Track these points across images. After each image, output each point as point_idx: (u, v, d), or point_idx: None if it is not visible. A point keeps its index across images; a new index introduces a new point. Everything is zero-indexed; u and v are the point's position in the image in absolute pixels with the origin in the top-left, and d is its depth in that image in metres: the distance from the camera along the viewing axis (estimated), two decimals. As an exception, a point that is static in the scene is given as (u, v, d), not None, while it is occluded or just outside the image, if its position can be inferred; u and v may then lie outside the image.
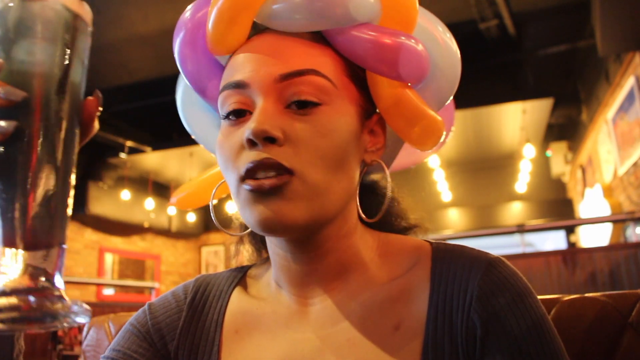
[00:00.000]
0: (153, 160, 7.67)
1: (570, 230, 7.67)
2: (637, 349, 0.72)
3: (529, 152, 6.42)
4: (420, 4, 0.63)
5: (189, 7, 0.64)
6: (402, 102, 0.61)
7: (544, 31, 5.50)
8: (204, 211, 9.47)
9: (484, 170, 8.45)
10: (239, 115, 0.58)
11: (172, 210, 8.29)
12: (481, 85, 5.63)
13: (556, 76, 6.41)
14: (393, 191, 0.70)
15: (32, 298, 0.41)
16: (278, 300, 0.65)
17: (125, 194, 7.38)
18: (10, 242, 0.42)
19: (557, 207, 8.11)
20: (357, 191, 0.63)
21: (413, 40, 0.59)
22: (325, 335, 0.60)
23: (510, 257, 3.42)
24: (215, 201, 0.72)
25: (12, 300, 0.40)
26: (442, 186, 7.84)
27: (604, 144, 5.57)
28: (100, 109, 0.51)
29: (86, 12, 0.49)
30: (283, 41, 0.59)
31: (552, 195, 8.38)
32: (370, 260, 0.64)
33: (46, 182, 0.43)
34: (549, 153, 7.82)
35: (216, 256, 9.66)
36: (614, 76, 4.88)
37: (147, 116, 6.77)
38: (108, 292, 7.85)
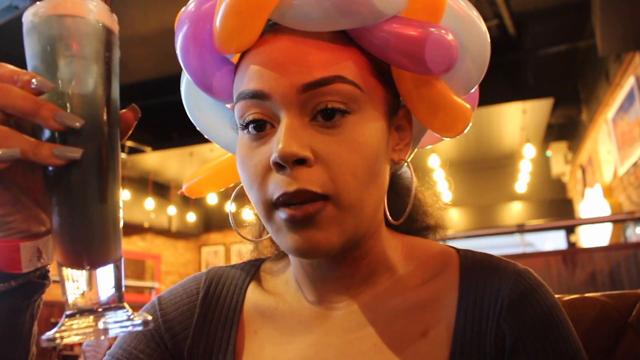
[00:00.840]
0: (153, 160, 7.66)
1: (570, 230, 7.66)
2: (637, 349, 0.72)
3: (529, 152, 6.42)
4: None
5: (192, 0, 0.59)
6: (428, 92, 0.57)
7: (544, 31, 5.50)
8: (204, 211, 9.47)
9: (484, 170, 8.44)
10: (259, 128, 0.55)
11: (172, 210, 8.29)
12: (481, 85, 5.61)
13: (556, 76, 6.41)
14: (415, 193, 0.69)
15: (103, 314, 0.43)
16: (298, 302, 0.63)
17: (125, 194, 7.38)
18: (77, 263, 0.43)
19: (557, 207, 8.11)
20: (385, 193, 0.61)
21: (442, 31, 0.54)
22: (350, 340, 0.59)
23: (510, 257, 3.41)
24: (231, 205, 0.69)
25: (87, 318, 0.42)
26: (442, 186, 7.83)
27: (604, 144, 5.57)
28: (136, 121, 0.49)
29: (116, 24, 0.47)
30: (303, 44, 0.53)
31: (552, 195, 8.38)
32: (397, 263, 0.62)
33: (107, 201, 0.44)
34: (549, 153, 7.81)
35: (216, 256, 9.65)
36: (614, 76, 4.88)
37: (147, 116, 6.74)
38: (108, 292, 7.83)
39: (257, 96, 0.53)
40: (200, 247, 9.80)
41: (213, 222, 9.60)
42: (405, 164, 0.62)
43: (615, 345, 0.73)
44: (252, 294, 0.66)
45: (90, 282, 0.43)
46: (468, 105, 0.60)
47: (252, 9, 0.52)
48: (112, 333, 0.42)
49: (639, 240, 4.42)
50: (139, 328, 0.43)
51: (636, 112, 4.36)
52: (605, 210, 5.40)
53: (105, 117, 0.44)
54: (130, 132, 0.48)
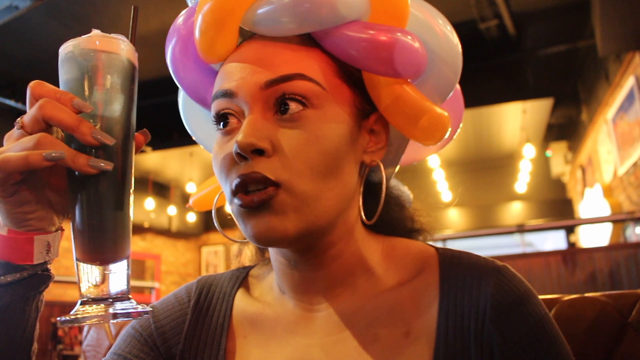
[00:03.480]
0: (153, 160, 7.66)
1: (570, 230, 7.66)
2: (637, 349, 0.72)
3: (529, 152, 6.42)
4: (421, 3, 0.62)
5: (181, 13, 0.63)
6: (402, 99, 0.59)
7: (544, 31, 5.50)
8: (204, 211, 9.46)
9: (484, 170, 8.44)
10: (226, 122, 0.59)
11: (172, 210, 8.29)
12: (481, 85, 5.62)
13: (556, 76, 6.41)
14: (399, 195, 0.71)
15: (113, 303, 0.50)
16: (282, 305, 0.65)
17: (125, 194, 7.36)
18: (93, 259, 0.50)
19: (557, 207, 8.10)
20: (360, 194, 0.63)
21: (407, 36, 0.56)
22: (333, 341, 0.60)
23: (510, 257, 3.42)
24: (215, 205, 0.72)
25: (99, 306, 0.49)
26: (442, 186, 7.83)
27: (604, 144, 5.57)
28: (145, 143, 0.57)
29: (137, 60, 0.55)
30: (270, 47, 0.58)
31: (552, 195, 8.38)
32: (376, 264, 0.63)
33: (123, 208, 0.51)
34: (549, 153, 7.82)
35: (216, 256, 9.66)
36: (614, 76, 4.88)
37: (147, 116, 6.77)
38: (108, 292, 7.82)
39: (226, 95, 0.58)
40: (200, 247, 9.80)
41: (213, 222, 9.57)
42: (378, 165, 0.63)
43: (615, 345, 0.73)
44: (240, 301, 0.68)
45: (103, 276, 0.51)
46: (445, 113, 0.61)
47: (223, 19, 0.57)
48: (120, 318, 0.49)
49: (639, 240, 4.42)
50: (146, 316, 0.50)
51: (636, 112, 4.36)
52: (605, 210, 5.40)
53: (126, 137, 0.52)
54: (139, 150, 0.55)
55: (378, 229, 0.66)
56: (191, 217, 8.61)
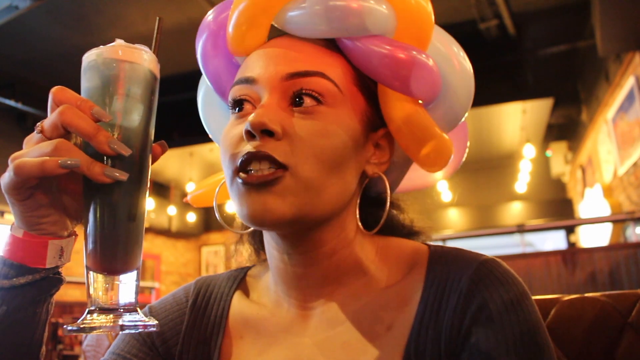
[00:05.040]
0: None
1: (570, 230, 7.67)
2: (637, 349, 0.72)
3: (529, 152, 6.42)
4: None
5: (212, 10, 0.67)
6: (412, 120, 0.61)
7: (544, 31, 5.51)
8: (204, 211, 9.47)
9: (484, 170, 8.44)
10: (241, 107, 0.60)
11: (172, 210, 8.29)
12: (481, 85, 5.58)
13: (556, 76, 6.41)
14: (398, 202, 0.72)
15: (121, 315, 0.50)
16: (278, 305, 0.66)
17: (125, 194, 7.36)
18: (103, 268, 0.50)
19: (557, 207, 8.11)
20: (357, 201, 0.64)
21: (425, 56, 0.59)
22: (322, 339, 0.61)
23: (510, 257, 3.42)
24: (216, 195, 0.71)
25: (108, 316, 0.49)
26: (442, 186, 7.83)
27: (604, 144, 5.57)
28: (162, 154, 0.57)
29: (158, 71, 0.55)
30: (296, 44, 0.61)
31: (552, 195, 8.38)
32: (370, 264, 0.64)
33: (136, 219, 0.51)
34: (549, 153, 7.82)
35: (216, 256, 9.66)
36: (614, 76, 4.88)
37: (147, 116, 6.76)
38: (108, 292, 7.83)
39: (246, 81, 0.60)
40: (200, 247, 9.80)
41: (213, 222, 9.60)
42: (381, 178, 0.64)
43: (615, 345, 0.73)
44: (238, 302, 0.69)
45: (113, 286, 0.50)
46: (448, 139, 0.63)
47: (257, 15, 0.61)
48: (127, 330, 0.49)
49: (639, 240, 4.42)
50: (152, 329, 0.50)
51: (636, 112, 4.36)
52: (605, 210, 5.40)
53: (143, 148, 0.52)
54: (156, 161, 0.56)
55: (379, 232, 0.66)
56: (191, 217, 8.61)
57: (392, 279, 0.63)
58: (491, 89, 5.80)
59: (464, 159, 0.76)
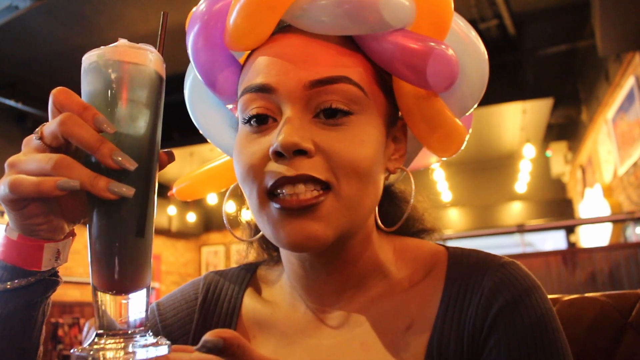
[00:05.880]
0: (153, 160, 7.66)
1: (570, 230, 7.66)
2: (637, 349, 0.72)
3: (529, 152, 6.42)
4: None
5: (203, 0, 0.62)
6: (428, 110, 0.59)
7: (544, 31, 5.50)
8: (204, 211, 9.47)
9: (484, 170, 8.44)
10: (261, 121, 0.55)
11: (172, 210, 8.28)
12: (481, 85, 5.61)
13: (556, 76, 6.40)
14: (409, 198, 0.70)
15: (131, 338, 0.46)
16: (293, 306, 0.64)
17: (125, 194, 7.35)
18: (111, 288, 0.46)
19: (557, 207, 8.10)
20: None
21: (445, 47, 0.56)
22: (340, 341, 0.59)
23: (511, 257, 3.42)
24: (226, 203, 0.69)
25: (117, 339, 0.45)
26: (442, 186, 7.83)
27: (604, 144, 5.57)
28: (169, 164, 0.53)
29: (164, 72, 0.50)
30: (311, 44, 0.55)
31: (552, 195, 8.37)
32: (389, 267, 0.63)
33: (145, 235, 0.47)
34: (549, 153, 7.81)
35: (216, 256, 9.65)
36: (614, 76, 4.88)
37: (147, 116, 6.76)
38: (108, 292, 7.82)
39: (263, 89, 0.54)
40: (200, 247, 9.79)
41: (213, 222, 9.59)
42: (404, 172, 0.63)
43: (615, 345, 0.73)
44: (250, 301, 0.67)
45: (121, 307, 0.47)
46: (463, 126, 0.62)
47: (266, 9, 0.54)
48: (138, 356, 0.44)
49: (639, 240, 4.41)
50: (164, 353, 0.46)
51: (636, 112, 4.36)
52: (605, 210, 5.40)
53: (150, 158, 0.48)
54: (162, 169, 0.52)
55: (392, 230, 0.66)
56: (191, 217, 8.61)
57: (413, 281, 0.62)
58: (491, 89, 5.73)
59: (464, 144, 0.76)
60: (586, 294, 0.78)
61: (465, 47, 0.60)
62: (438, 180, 7.58)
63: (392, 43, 0.55)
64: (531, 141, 6.61)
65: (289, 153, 0.51)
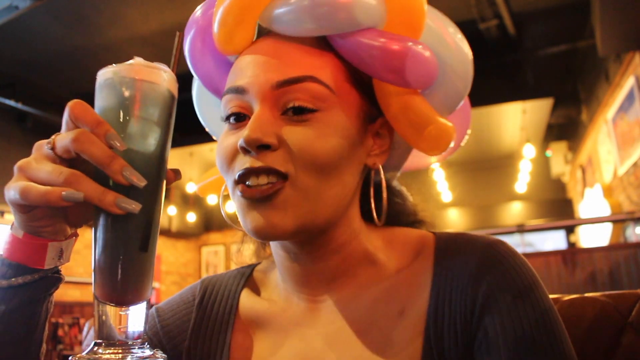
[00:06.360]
0: (153, 160, 7.65)
1: (570, 230, 7.66)
2: (637, 349, 0.72)
3: (529, 152, 6.42)
4: (422, 3, 0.62)
5: (200, 6, 0.64)
6: (409, 109, 0.60)
7: (544, 31, 5.50)
8: (204, 211, 9.47)
9: (484, 170, 8.44)
10: (238, 119, 0.60)
11: (172, 210, 8.28)
12: (481, 85, 5.60)
13: (556, 76, 6.41)
14: (401, 191, 0.73)
15: (130, 349, 0.48)
16: (288, 301, 0.66)
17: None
18: (113, 299, 0.48)
19: (557, 207, 8.10)
20: (357, 195, 0.64)
21: (420, 46, 0.57)
22: (335, 329, 0.62)
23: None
24: (221, 198, 0.71)
25: (116, 350, 0.47)
26: (442, 186, 7.83)
27: (604, 144, 5.57)
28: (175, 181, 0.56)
29: (177, 89, 0.52)
30: (284, 46, 0.59)
31: (552, 195, 8.38)
32: (378, 254, 0.65)
33: (148, 249, 0.49)
34: (548, 153, 7.82)
35: (216, 256, 9.65)
36: (614, 76, 4.88)
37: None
38: (108, 292, 7.82)
39: (237, 91, 0.59)
40: (200, 247, 9.79)
41: (213, 222, 9.60)
42: (378, 168, 0.65)
43: (615, 345, 0.73)
44: (246, 299, 0.70)
45: (121, 318, 0.48)
46: (450, 124, 0.62)
47: (241, 14, 0.59)
48: None
49: (639, 240, 4.42)
50: None
51: (636, 112, 4.36)
52: (605, 210, 5.40)
53: (158, 175, 0.50)
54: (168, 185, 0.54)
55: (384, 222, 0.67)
56: (191, 217, 8.61)
57: (401, 265, 0.64)
58: (491, 89, 5.79)
59: (464, 142, 0.75)
60: (586, 294, 0.78)
61: (446, 45, 0.61)
62: (438, 180, 7.58)
63: (365, 43, 0.57)
64: (531, 141, 6.61)
65: (252, 148, 0.55)
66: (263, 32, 0.62)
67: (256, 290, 0.71)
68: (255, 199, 0.56)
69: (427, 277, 0.61)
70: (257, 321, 0.67)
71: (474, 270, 0.58)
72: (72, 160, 0.50)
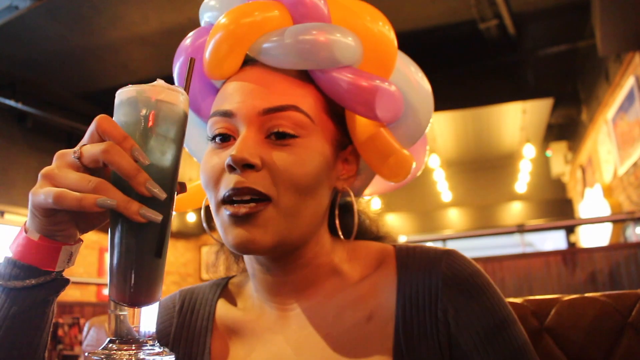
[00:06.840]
0: (153, 160, 7.65)
1: (570, 230, 7.67)
2: (637, 349, 0.72)
3: (529, 152, 6.43)
4: (421, 4, 0.63)
5: (190, 34, 0.72)
6: (375, 139, 0.68)
7: (544, 31, 5.50)
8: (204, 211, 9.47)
9: (484, 170, 8.45)
10: (224, 139, 0.65)
11: (172, 210, 8.29)
12: (481, 85, 5.62)
13: (556, 76, 6.40)
14: (365, 210, 0.80)
15: (141, 347, 0.52)
16: (261, 309, 0.72)
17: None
18: (127, 301, 0.52)
19: (557, 207, 8.11)
20: (327, 214, 0.70)
21: (388, 84, 0.65)
22: (306, 334, 0.67)
23: (510, 257, 3.42)
24: (203, 209, 0.77)
25: (129, 347, 0.51)
26: (442, 186, 7.84)
27: (604, 144, 5.57)
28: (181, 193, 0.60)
29: (189, 110, 0.57)
30: (269, 76, 0.65)
31: (552, 195, 8.38)
32: (343, 266, 0.71)
33: (161, 255, 0.54)
34: (549, 153, 7.82)
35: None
36: (614, 76, 4.89)
37: (147, 116, 6.75)
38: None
39: (225, 114, 0.64)
40: (200, 247, 9.80)
41: (213, 222, 9.59)
42: (348, 191, 0.72)
43: (615, 345, 0.73)
44: (222, 309, 0.75)
45: (134, 317, 0.53)
46: (409, 154, 0.70)
47: (233, 45, 0.65)
48: None
49: (639, 240, 4.42)
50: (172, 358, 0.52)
51: (636, 112, 4.36)
52: (605, 210, 5.40)
53: (172, 188, 0.54)
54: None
55: (348, 237, 0.73)
56: (191, 217, 8.61)
57: (364, 275, 0.70)
58: (491, 89, 5.80)
59: (421, 170, 0.84)
60: (586, 294, 0.78)
61: (411, 85, 0.70)
62: (438, 180, 7.59)
63: (342, 80, 0.64)
64: (531, 141, 6.62)
65: (238, 166, 0.60)
66: (249, 60, 0.68)
67: (231, 300, 0.76)
68: (239, 217, 0.60)
69: (391, 283, 0.67)
70: (232, 328, 0.72)
71: (441, 281, 0.64)
72: (94, 170, 0.53)
